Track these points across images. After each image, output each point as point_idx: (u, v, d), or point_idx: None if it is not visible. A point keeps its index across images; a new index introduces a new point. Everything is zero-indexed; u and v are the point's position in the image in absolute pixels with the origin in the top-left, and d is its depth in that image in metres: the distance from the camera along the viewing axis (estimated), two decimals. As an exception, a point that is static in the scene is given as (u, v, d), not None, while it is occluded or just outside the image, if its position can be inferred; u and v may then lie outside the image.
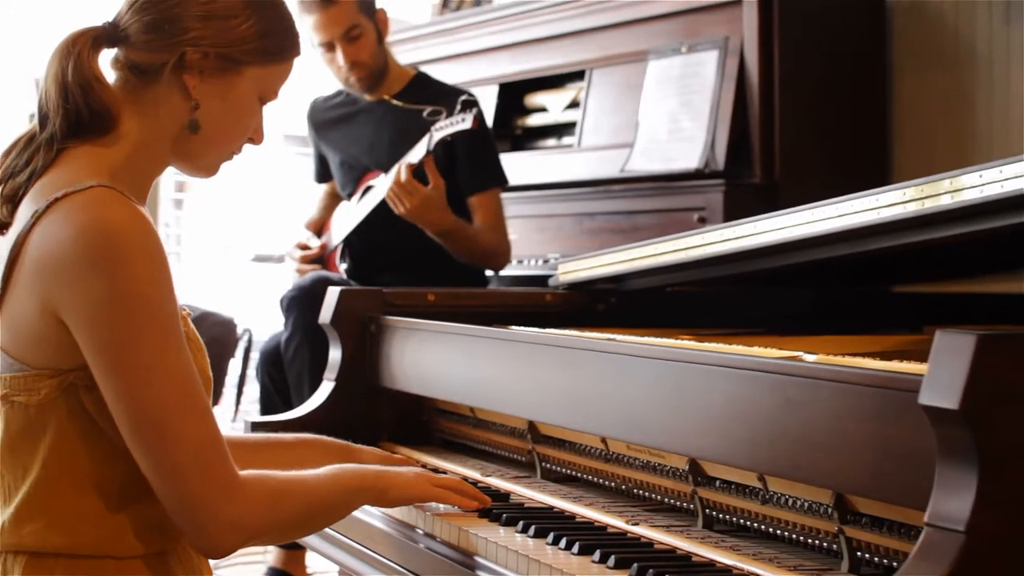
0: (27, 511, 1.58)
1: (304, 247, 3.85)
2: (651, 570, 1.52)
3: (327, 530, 2.15)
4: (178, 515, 1.56)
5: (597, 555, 1.61)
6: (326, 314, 2.52)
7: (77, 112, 1.63)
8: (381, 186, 3.51)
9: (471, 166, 3.58)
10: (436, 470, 2.14)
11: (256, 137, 1.75)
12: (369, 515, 2.03)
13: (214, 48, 1.65)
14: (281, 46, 1.72)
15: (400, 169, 3.40)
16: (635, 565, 1.54)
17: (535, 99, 4.32)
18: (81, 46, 1.64)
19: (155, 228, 1.57)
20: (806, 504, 1.59)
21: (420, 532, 1.89)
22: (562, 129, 4.21)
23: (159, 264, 1.54)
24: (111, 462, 1.58)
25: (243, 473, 1.59)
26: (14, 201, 1.63)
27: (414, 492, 1.82)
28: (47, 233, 1.55)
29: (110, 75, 1.68)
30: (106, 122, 1.64)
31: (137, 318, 1.52)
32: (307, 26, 3.54)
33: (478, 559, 1.73)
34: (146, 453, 1.53)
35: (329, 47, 3.59)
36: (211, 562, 4.26)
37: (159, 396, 1.52)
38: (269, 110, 1.78)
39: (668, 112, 3.75)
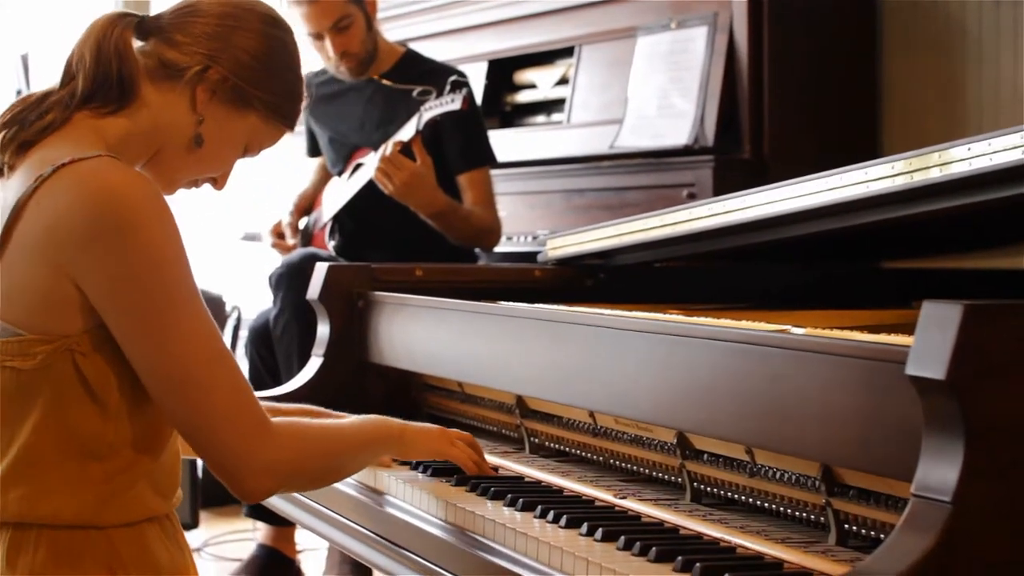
0: (14, 476, 1.59)
1: (279, 233, 3.84)
2: (638, 543, 1.51)
3: (317, 505, 2.15)
4: (214, 462, 1.62)
5: (584, 528, 1.60)
6: (314, 290, 2.52)
7: (106, 76, 1.67)
8: (370, 164, 3.50)
9: (460, 146, 3.56)
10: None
11: (219, 181, 1.81)
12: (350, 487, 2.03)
13: (236, 79, 1.72)
14: (289, 113, 1.80)
15: (387, 145, 3.39)
16: (622, 538, 1.54)
17: (524, 76, 4.31)
18: (124, 25, 1.70)
19: (160, 191, 1.61)
20: (793, 477, 1.59)
21: (406, 504, 1.89)
22: (551, 106, 4.20)
23: (171, 224, 1.58)
24: (101, 428, 1.59)
25: (273, 420, 1.65)
26: (24, 148, 1.65)
27: (434, 445, 1.93)
28: (56, 200, 1.57)
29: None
30: (126, 96, 1.69)
31: (158, 278, 1.56)
32: (296, 16, 3.50)
33: (465, 532, 1.73)
34: (178, 407, 1.59)
35: (318, 37, 3.56)
36: (201, 538, 4.28)
37: (186, 351, 1.57)
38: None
39: (657, 88, 3.74)
